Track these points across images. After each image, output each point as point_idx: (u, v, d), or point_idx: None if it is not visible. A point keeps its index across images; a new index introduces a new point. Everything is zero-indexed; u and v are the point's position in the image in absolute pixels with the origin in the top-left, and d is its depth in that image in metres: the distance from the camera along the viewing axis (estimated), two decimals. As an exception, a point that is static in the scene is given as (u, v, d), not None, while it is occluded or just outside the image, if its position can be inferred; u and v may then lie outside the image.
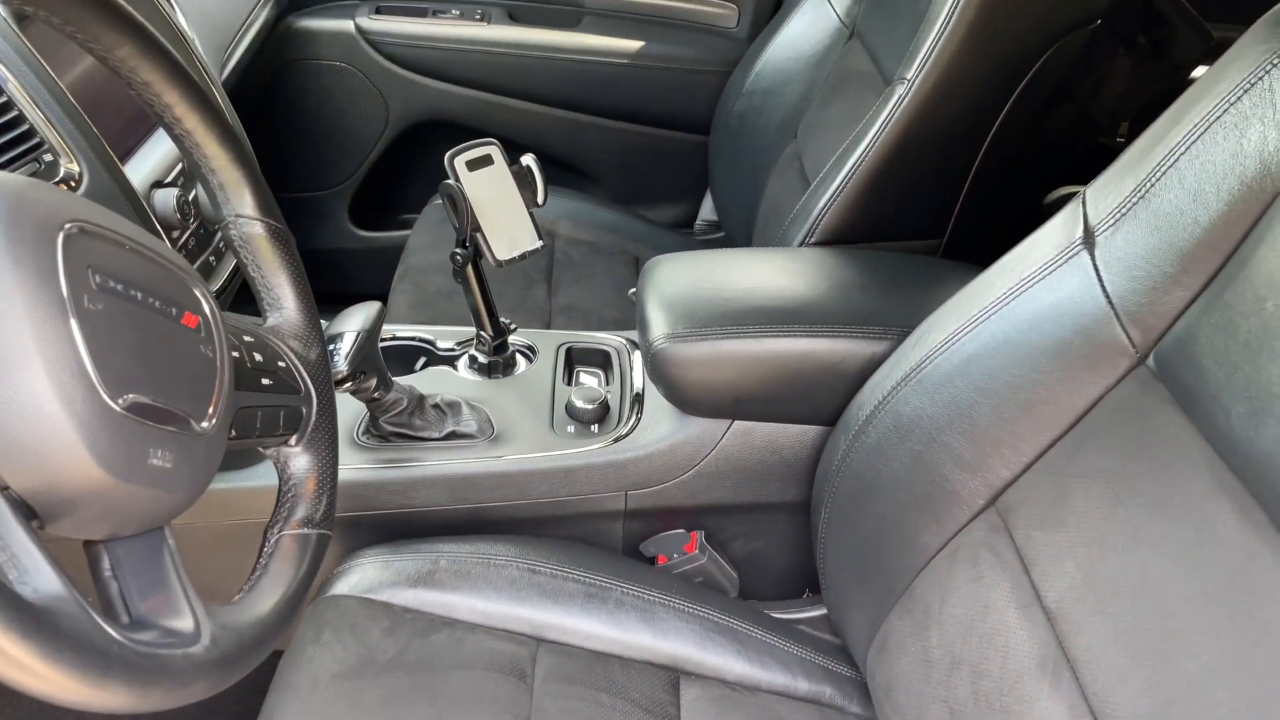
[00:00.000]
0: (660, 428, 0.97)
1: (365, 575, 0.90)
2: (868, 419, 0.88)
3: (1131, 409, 0.71)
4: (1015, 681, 0.70)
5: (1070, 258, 0.77)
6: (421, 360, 1.09)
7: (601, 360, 1.10)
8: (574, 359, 1.10)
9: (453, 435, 0.96)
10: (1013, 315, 0.80)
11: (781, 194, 1.34)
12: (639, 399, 1.02)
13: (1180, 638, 0.60)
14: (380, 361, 0.92)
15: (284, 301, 0.68)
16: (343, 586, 0.89)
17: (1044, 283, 0.78)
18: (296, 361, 0.66)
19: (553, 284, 1.43)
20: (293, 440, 0.65)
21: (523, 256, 0.96)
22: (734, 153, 1.54)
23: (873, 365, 0.92)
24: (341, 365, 0.87)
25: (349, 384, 0.89)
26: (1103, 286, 0.74)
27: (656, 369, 0.94)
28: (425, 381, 1.01)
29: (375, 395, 0.92)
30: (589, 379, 1.07)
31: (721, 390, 0.94)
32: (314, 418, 0.66)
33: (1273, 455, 0.59)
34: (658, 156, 1.74)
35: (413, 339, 1.10)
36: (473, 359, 1.06)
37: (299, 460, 0.65)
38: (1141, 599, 0.63)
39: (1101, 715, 0.63)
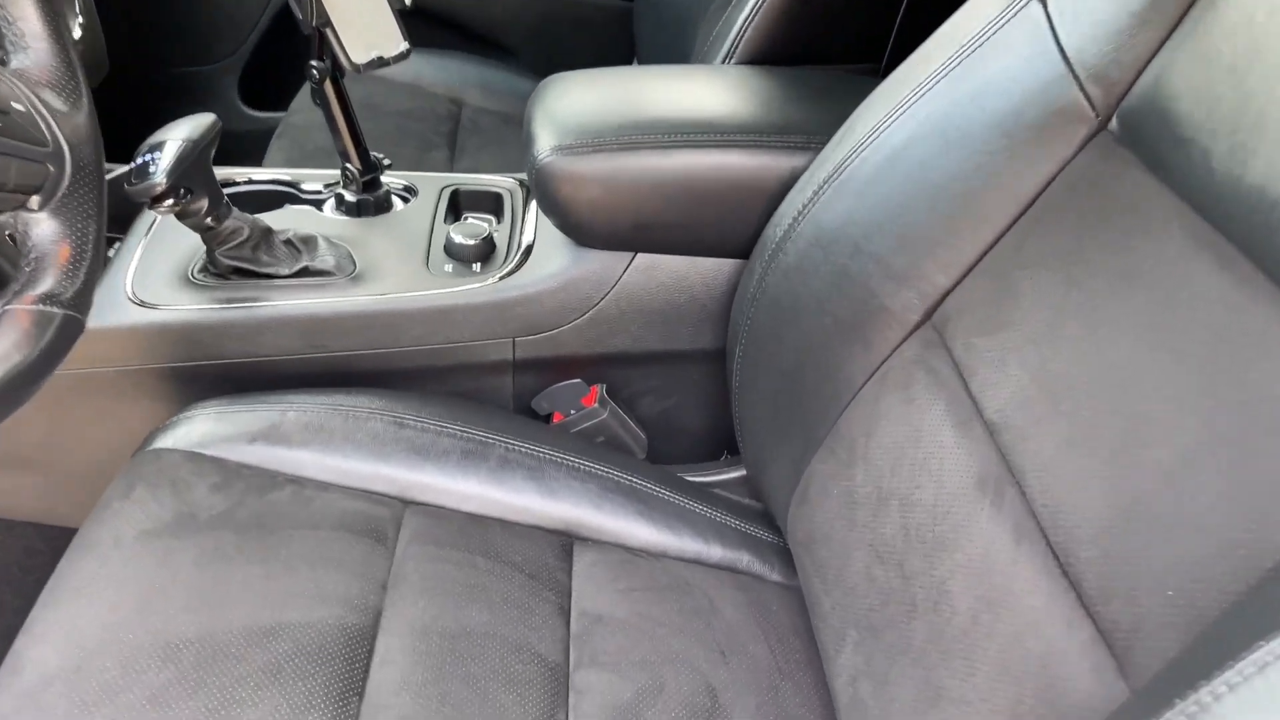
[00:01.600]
0: (551, 263, 0.84)
1: (196, 428, 0.76)
2: (785, 234, 0.75)
3: (1090, 182, 0.59)
4: (950, 507, 0.58)
5: (1019, 9, 0.64)
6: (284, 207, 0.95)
7: (493, 205, 0.96)
8: (461, 203, 0.96)
9: (305, 272, 0.82)
10: (951, 91, 0.67)
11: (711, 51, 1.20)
12: (530, 249, 0.88)
13: (1150, 425, 0.48)
14: (213, 181, 0.77)
15: (29, 39, 0.53)
16: (167, 440, 0.75)
17: (988, 46, 0.66)
18: (46, 113, 0.52)
19: (456, 149, 1.28)
20: (33, 202, 0.50)
21: (382, 61, 0.81)
22: (658, 13, 1.39)
23: (794, 182, 0.79)
24: (159, 178, 0.73)
25: (169, 202, 0.74)
26: (1058, 42, 0.62)
27: (543, 189, 0.81)
28: (279, 220, 0.86)
29: (208, 222, 0.78)
30: (477, 223, 0.93)
31: (620, 215, 0.81)
32: (67, 181, 0.52)
33: (1263, 189, 0.47)
34: (578, 26, 1.59)
35: (272, 182, 0.95)
36: (339, 199, 0.92)
37: (43, 227, 0.51)
38: (1102, 389, 0.51)
39: (1052, 530, 0.51)
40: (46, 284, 0.49)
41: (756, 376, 0.79)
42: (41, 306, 0.49)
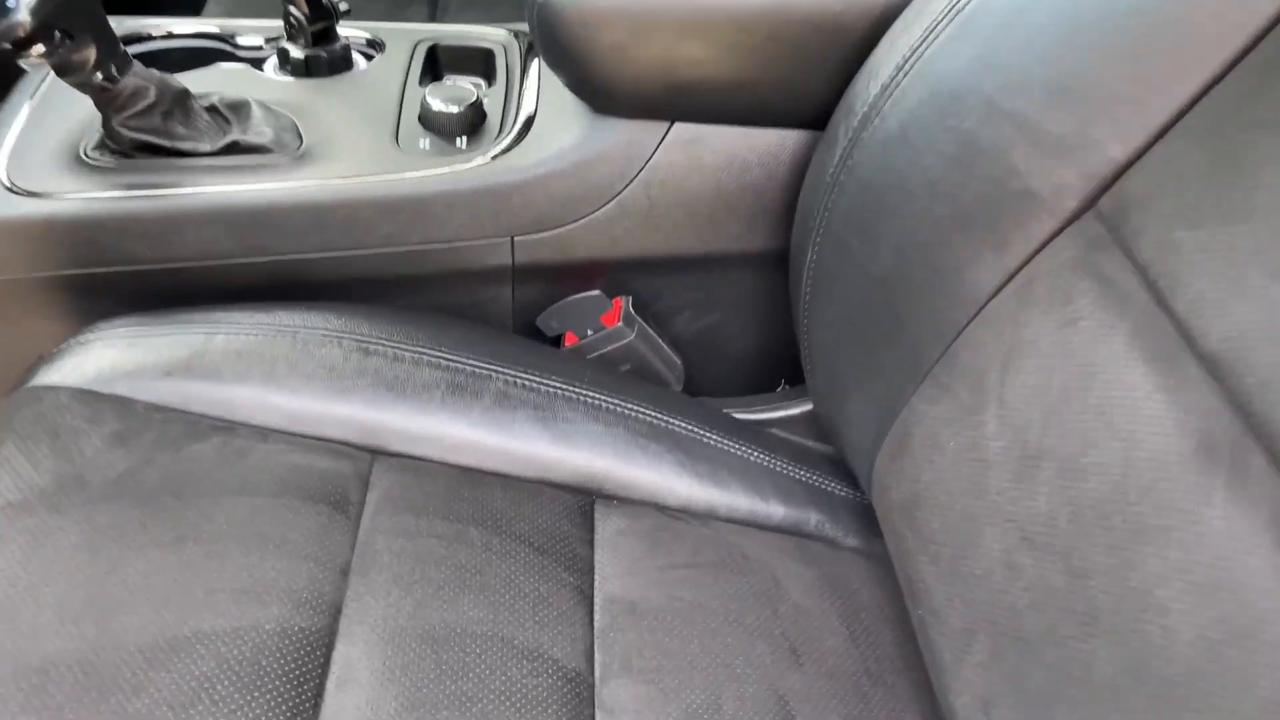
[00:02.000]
0: (560, 138, 0.64)
1: (92, 358, 0.57)
2: (882, 92, 0.55)
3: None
4: (1155, 481, 0.40)
5: None
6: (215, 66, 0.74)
7: (482, 65, 0.75)
8: (440, 62, 0.75)
9: (234, 149, 0.62)
10: None
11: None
12: (532, 121, 0.67)
13: None
14: (105, 25, 0.57)
15: None
16: (52, 374, 0.56)
17: None
18: None
19: (439, 6, 1.06)
20: None
21: None
22: None
23: (893, 18, 0.58)
24: (20, 15, 0.52)
25: (39, 49, 0.54)
26: None
27: (549, 35, 0.60)
28: (203, 82, 0.66)
29: (100, 80, 0.58)
30: (461, 86, 0.72)
31: (651, 70, 0.60)
32: None
33: None
34: None
35: (197, 36, 0.74)
36: (284, 55, 0.71)
37: None
38: None
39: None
40: None
41: (835, 285, 0.60)
42: None
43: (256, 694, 0.45)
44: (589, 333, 0.67)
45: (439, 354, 0.61)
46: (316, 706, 0.45)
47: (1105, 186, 0.47)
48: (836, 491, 0.65)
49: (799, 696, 0.52)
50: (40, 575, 0.46)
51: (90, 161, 0.62)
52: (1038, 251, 0.50)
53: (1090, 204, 0.48)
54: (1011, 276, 0.51)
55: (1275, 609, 0.35)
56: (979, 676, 0.47)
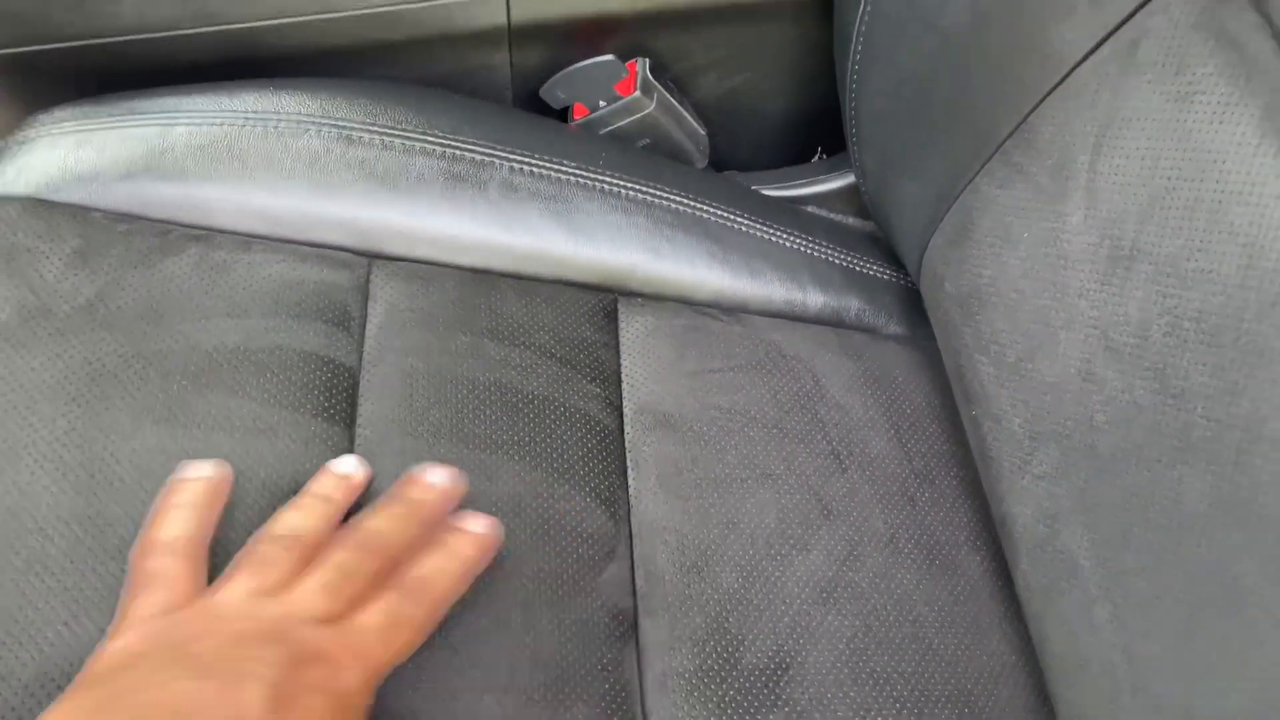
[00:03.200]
0: None
1: (38, 159, 0.50)
2: None
3: None
4: (1280, 294, 0.34)
5: None
6: None
7: None
8: None
9: (166, -111, 0.51)
10: None
11: None
12: None
13: None
14: None
15: None
16: (1, 178, 0.49)
17: None
18: None
19: None
20: None
21: None
22: None
23: None
24: None
25: None
26: None
27: None
28: None
29: None
30: None
31: None
32: None
33: None
34: None
35: None
36: None
37: None
38: None
39: None
40: None
41: (894, 41, 0.51)
42: None
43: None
44: (601, 104, 0.58)
45: (433, 139, 0.53)
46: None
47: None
48: (879, 274, 0.60)
49: (842, 503, 0.50)
50: (20, 426, 0.42)
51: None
52: (1142, 5, 0.41)
53: (1221, -63, 0.38)
54: (1111, 33, 0.42)
55: None
56: (1043, 489, 0.44)
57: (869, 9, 0.51)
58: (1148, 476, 0.39)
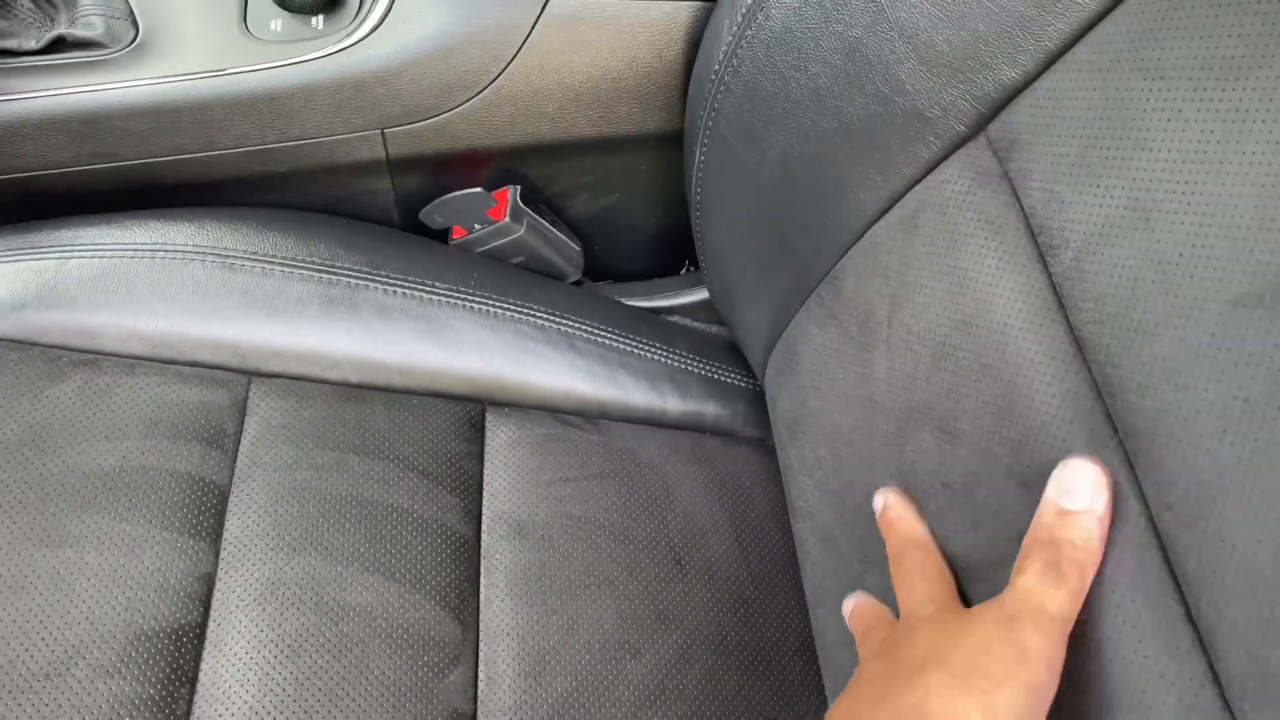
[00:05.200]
0: (427, 17, 0.57)
1: (-67, 292, 0.54)
2: (771, -18, 0.49)
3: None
4: (1029, 438, 0.39)
5: None
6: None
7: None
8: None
9: (61, 44, 0.55)
10: None
11: None
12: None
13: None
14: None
15: None
16: (-109, 313, 0.53)
17: None
18: None
19: None
20: None
21: None
22: None
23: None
24: None
25: None
26: None
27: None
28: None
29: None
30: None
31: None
32: None
33: None
34: None
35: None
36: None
37: None
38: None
39: (1176, 546, 0.33)
40: None
41: (724, 191, 0.56)
42: None
43: (129, 666, 0.46)
44: (476, 227, 0.63)
45: (310, 265, 0.58)
46: (193, 684, 0.47)
47: (995, 112, 0.43)
48: (735, 382, 0.65)
49: (678, 607, 0.54)
50: (-100, 547, 0.46)
51: (-100, 63, 0.55)
52: (924, 176, 0.46)
53: (979, 129, 0.44)
54: (896, 200, 0.48)
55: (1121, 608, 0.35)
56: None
57: (703, 158, 0.56)
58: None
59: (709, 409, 0.63)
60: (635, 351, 0.63)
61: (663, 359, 0.63)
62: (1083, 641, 0.35)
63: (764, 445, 0.63)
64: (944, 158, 0.45)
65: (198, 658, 0.47)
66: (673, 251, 0.72)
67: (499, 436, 0.58)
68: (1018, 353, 0.40)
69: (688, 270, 0.73)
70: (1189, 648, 0.32)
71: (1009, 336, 0.40)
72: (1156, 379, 0.34)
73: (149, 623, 0.47)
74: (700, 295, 0.68)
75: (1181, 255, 0.34)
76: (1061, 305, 0.38)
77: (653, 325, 0.65)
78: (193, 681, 0.46)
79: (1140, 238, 0.36)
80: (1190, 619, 0.32)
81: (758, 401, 0.65)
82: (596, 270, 0.71)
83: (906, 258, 0.46)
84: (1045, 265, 0.40)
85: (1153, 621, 0.33)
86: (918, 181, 0.46)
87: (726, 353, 0.66)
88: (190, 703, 0.46)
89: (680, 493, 0.59)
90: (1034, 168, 0.41)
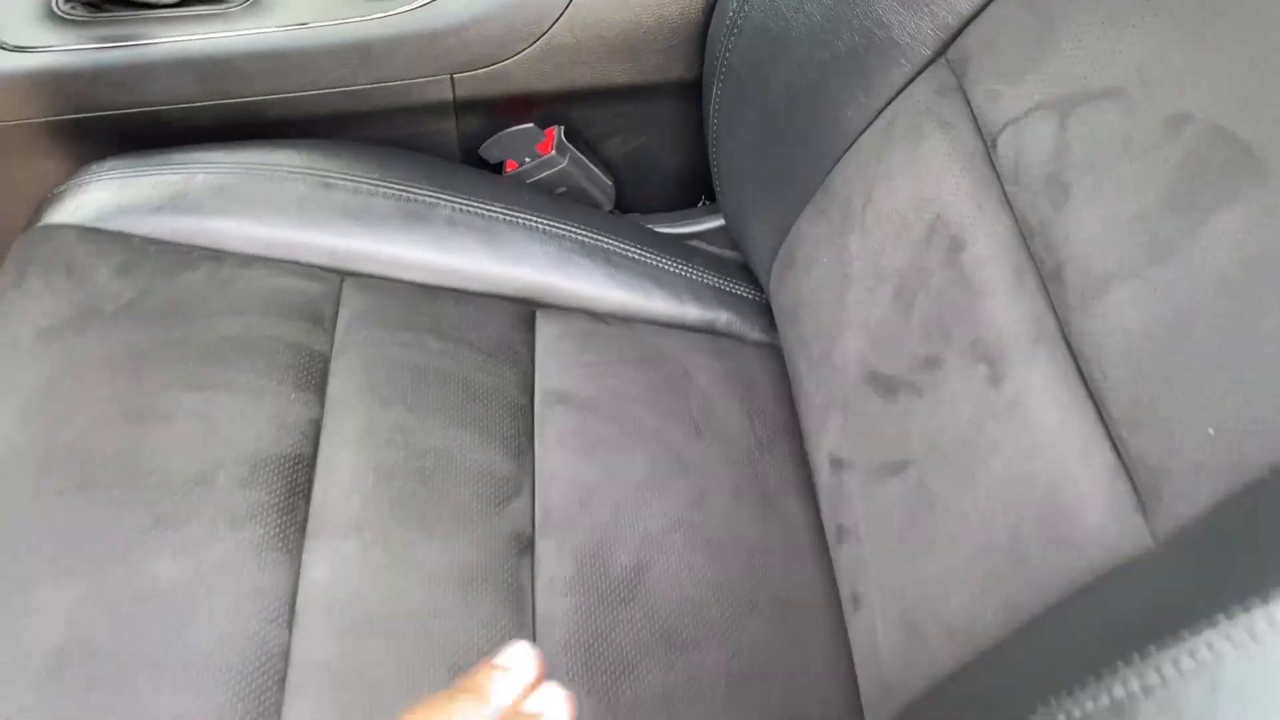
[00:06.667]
0: (491, -21, 0.69)
1: (90, 198, 0.66)
2: (774, -58, 0.61)
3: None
4: (959, 295, 0.51)
5: None
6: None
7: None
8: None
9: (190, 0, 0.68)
10: None
11: None
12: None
13: (1209, 216, 0.39)
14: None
15: None
16: (59, 214, 0.65)
17: None
18: None
19: None
20: None
21: None
22: None
23: None
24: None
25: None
26: None
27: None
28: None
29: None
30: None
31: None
32: None
33: None
34: None
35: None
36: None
37: None
38: (1152, 162, 0.42)
39: (1078, 335, 0.44)
40: None
41: (737, 120, 0.68)
42: None
43: (260, 472, 0.57)
44: (526, 160, 0.75)
45: (393, 185, 0.70)
46: (310, 480, 0.58)
47: (953, 37, 0.55)
48: (745, 294, 0.76)
49: (697, 459, 0.65)
50: (75, 388, 0.57)
51: (63, 15, 0.68)
52: (898, 94, 0.58)
53: (940, 52, 0.55)
54: (876, 117, 0.59)
55: (1020, 392, 0.46)
56: (832, 443, 0.60)
57: (719, 93, 0.68)
58: (893, 428, 0.55)
59: (722, 316, 0.75)
60: (660, 266, 0.74)
61: (683, 273, 0.75)
62: (1002, 406, 0.46)
63: (769, 347, 0.74)
64: (913, 78, 0.57)
65: (310, 480, 0.58)
66: (691, 188, 0.84)
67: (547, 331, 0.70)
68: (959, 214, 0.51)
69: (703, 204, 0.84)
70: (1084, 401, 0.43)
71: (955, 203, 0.52)
72: (1065, 217, 0.45)
73: (272, 450, 0.58)
74: (715, 223, 0.79)
75: (1085, 124, 0.45)
76: (996, 173, 0.50)
77: (675, 246, 0.77)
78: (307, 497, 0.57)
79: (1054, 116, 0.47)
80: (1083, 380, 0.43)
81: (764, 312, 0.76)
82: (625, 204, 0.82)
83: (881, 156, 0.58)
84: (985, 147, 0.51)
85: (1057, 385, 0.44)
86: (894, 99, 0.58)
87: (737, 271, 0.78)
88: (306, 511, 0.57)
89: (698, 377, 0.70)
90: (981, 76, 0.52)
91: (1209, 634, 0.28)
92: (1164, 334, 0.40)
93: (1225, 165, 0.39)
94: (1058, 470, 0.43)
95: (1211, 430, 0.37)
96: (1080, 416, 0.43)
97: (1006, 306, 0.48)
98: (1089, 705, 0.30)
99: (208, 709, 0.49)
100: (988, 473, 0.47)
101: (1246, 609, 0.27)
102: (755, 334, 0.75)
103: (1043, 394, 0.45)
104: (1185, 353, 0.39)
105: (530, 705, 0.36)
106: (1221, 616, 0.28)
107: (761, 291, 0.77)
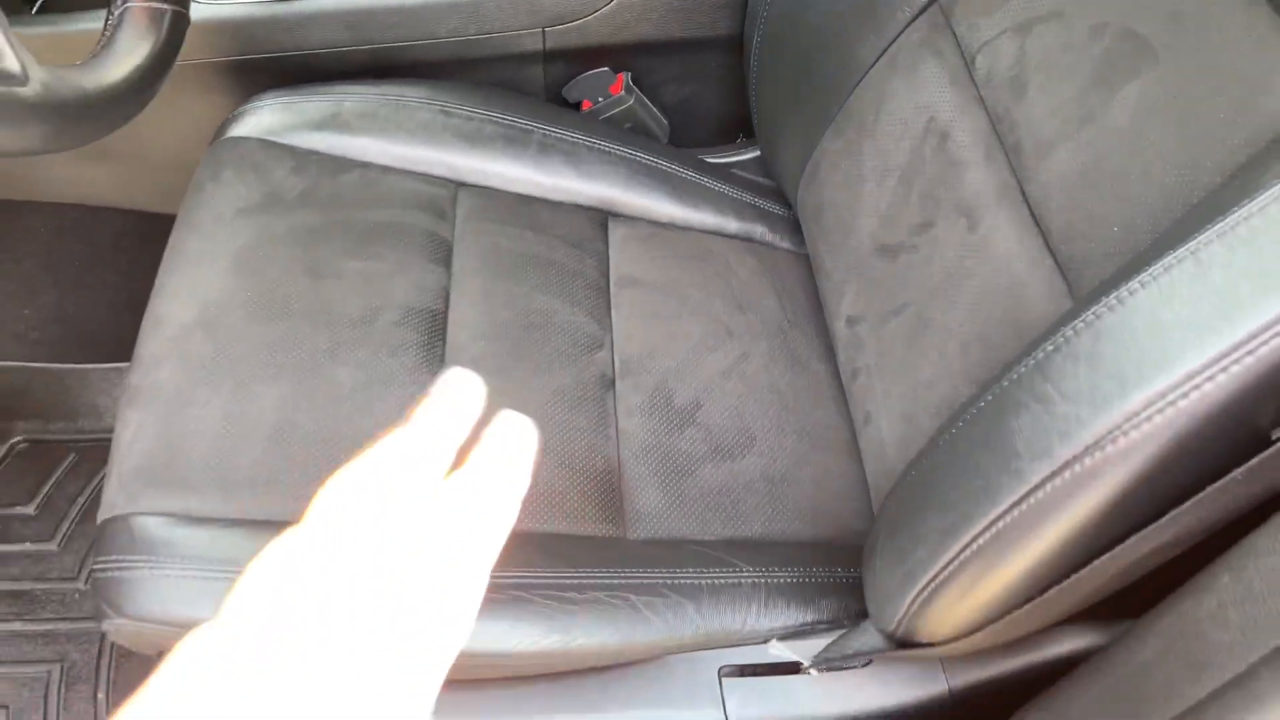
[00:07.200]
0: (579, -49, 0.87)
1: (264, 118, 0.83)
2: (805, -82, 0.79)
3: None
4: (945, 174, 0.67)
5: None
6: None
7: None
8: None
9: (344, -37, 0.85)
10: None
11: None
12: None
13: (1114, 94, 0.56)
14: None
15: None
16: (241, 129, 0.83)
17: None
18: None
19: None
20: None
21: None
22: None
23: None
24: None
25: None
26: None
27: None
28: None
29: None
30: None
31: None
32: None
33: None
34: None
35: None
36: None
37: (137, -73, 0.55)
38: (1079, 66, 0.59)
39: (1029, 184, 0.61)
40: (151, -18, 0.55)
41: (774, 61, 0.85)
42: (153, 4, 0.55)
43: (409, 317, 0.74)
44: (599, 99, 0.93)
45: (497, 115, 0.87)
46: (444, 328, 0.75)
47: (942, -14, 0.72)
48: (776, 211, 0.93)
49: (741, 330, 0.82)
50: (269, 250, 0.74)
51: (241, -25, 0.86)
52: (901, 33, 0.75)
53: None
54: (884, 50, 0.76)
55: (989, 235, 0.63)
56: (848, 307, 0.77)
57: (759, 42, 0.85)
58: (897, 280, 0.71)
59: (757, 228, 0.91)
60: (706, 185, 0.91)
61: (725, 191, 0.92)
62: (977, 243, 0.63)
63: (796, 254, 0.91)
64: (913, 19, 0.74)
65: (444, 327, 0.75)
66: (730, 126, 1.02)
67: (617, 233, 0.87)
68: (946, 115, 0.68)
69: (740, 140, 1.02)
70: (1034, 231, 0.60)
71: (943, 107, 0.69)
72: (1023, 105, 0.62)
73: (416, 303, 0.75)
74: (750, 154, 0.97)
75: (1038, 39, 0.62)
76: (974, 82, 0.67)
77: (719, 172, 0.94)
78: (444, 338, 0.74)
79: (1018, 37, 0.64)
80: (1034, 217, 0.60)
81: (792, 227, 0.93)
82: (677, 140, 1.00)
83: (887, 81, 0.75)
84: (966, 64, 0.68)
85: (1016, 223, 0.61)
86: (896, 37, 0.75)
87: (769, 193, 0.95)
88: (444, 349, 0.74)
89: (739, 270, 0.87)
90: (964, 15, 0.69)
91: (1095, 308, 0.44)
92: (1088, 175, 0.57)
93: (1130, 53, 0.56)
94: (1015, 280, 0.60)
95: (1115, 229, 0.54)
96: (1032, 241, 0.60)
97: (981, 174, 0.65)
98: (1021, 369, 0.47)
99: (383, 472, 0.66)
100: (966, 293, 0.64)
101: (1111, 291, 0.44)
102: (784, 244, 0.92)
103: (1006, 230, 0.62)
104: (1101, 184, 0.56)
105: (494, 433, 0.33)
106: (1103, 300, 0.45)
107: (789, 209, 0.94)
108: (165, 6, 0.55)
